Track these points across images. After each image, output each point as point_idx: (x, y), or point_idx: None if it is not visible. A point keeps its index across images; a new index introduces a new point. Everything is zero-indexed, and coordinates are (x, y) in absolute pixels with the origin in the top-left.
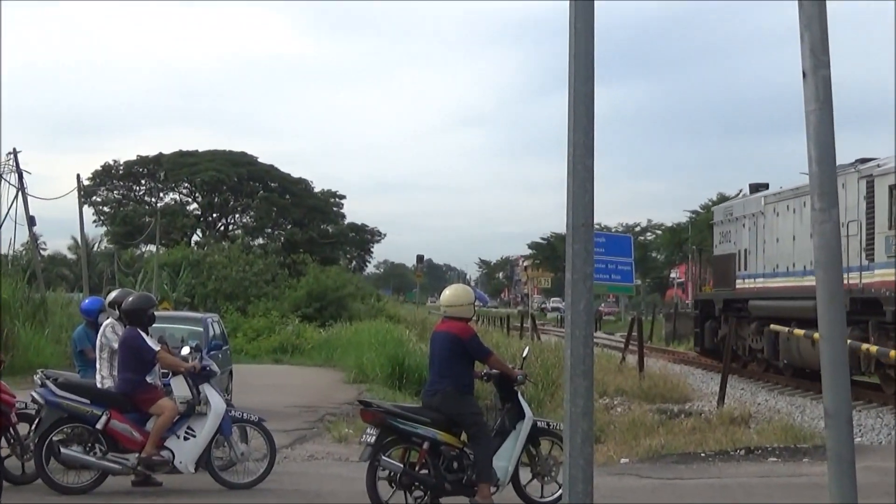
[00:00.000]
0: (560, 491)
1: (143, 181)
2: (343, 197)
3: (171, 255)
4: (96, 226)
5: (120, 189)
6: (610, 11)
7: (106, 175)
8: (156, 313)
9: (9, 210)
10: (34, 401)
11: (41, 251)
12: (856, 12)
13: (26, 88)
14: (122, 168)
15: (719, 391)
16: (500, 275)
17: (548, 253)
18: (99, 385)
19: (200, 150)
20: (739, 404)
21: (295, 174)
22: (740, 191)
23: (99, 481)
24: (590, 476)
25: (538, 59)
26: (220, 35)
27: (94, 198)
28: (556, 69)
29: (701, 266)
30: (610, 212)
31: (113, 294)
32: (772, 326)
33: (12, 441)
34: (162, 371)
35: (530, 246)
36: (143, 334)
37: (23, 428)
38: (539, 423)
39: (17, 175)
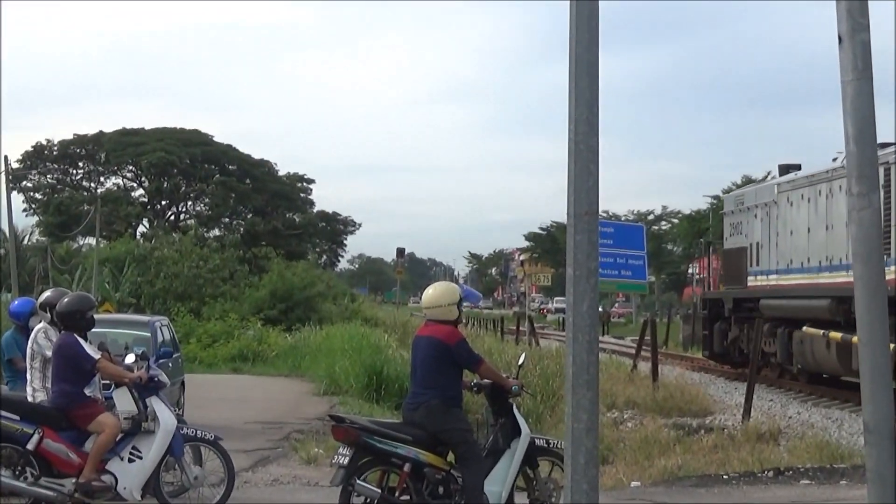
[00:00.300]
0: None
1: (80, 164)
2: (311, 181)
3: (114, 249)
4: (26, 215)
5: (54, 173)
6: None
7: (37, 157)
8: (95, 316)
9: None
10: None
11: None
12: None
13: None
14: (56, 148)
15: (744, 403)
16: (493, 271)
17: (548, 245)
18: (30, 399)
19: (147, 127)
20: (768, 418)
21: (256, 155)
22: (768, 173)
23: None
24: (595, 502)
25: (537, 21)
26: None
27: (24, 183)
28: (557, 33)
29: (710, 261)
30: (619, 197)
31: (46, 294)
32: (805, 329)
33: None
34: (103, 382)
35: (528, 237)
36: (81, 340)
37: None
38: (537, 441)
39: None
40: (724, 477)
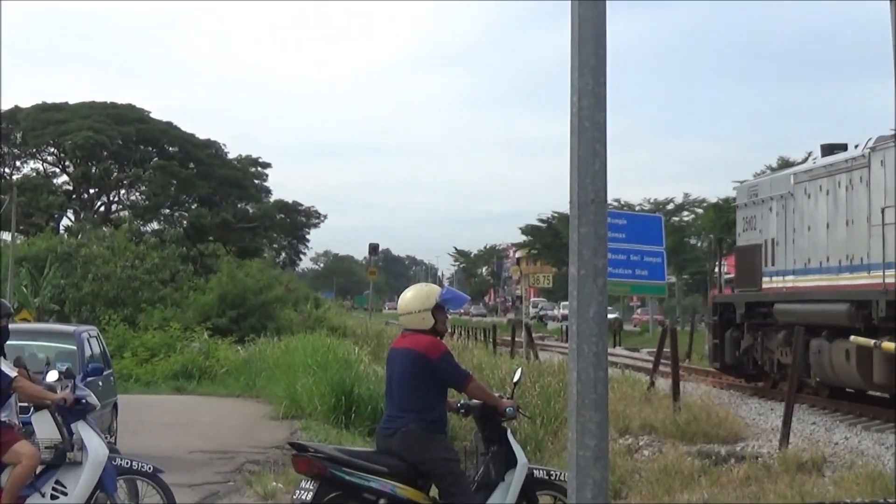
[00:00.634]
0: None
1: None
2: (267, 165)
3: (33, 246)
4: None
5: None
6: None
7: None
8: (11, 326)
9: None
10: None
11: None
12: None
13: None
14: None
15: (782, 426)
16: (484, 270)
17: (548, 240)
18: None
19: (71, 102)
20: (810, 444)
21: (201, 135)
22: (808, 154)
23: None
24: None
25: None
26: None
27: None
28: None
29: (720, 260)
30: (632, 183)
31: None
32: (852, 339)
33: None
34: (20, 405)
35: (524, 230)
36: None
37: None
38: (536, 473)
39: None
40: None
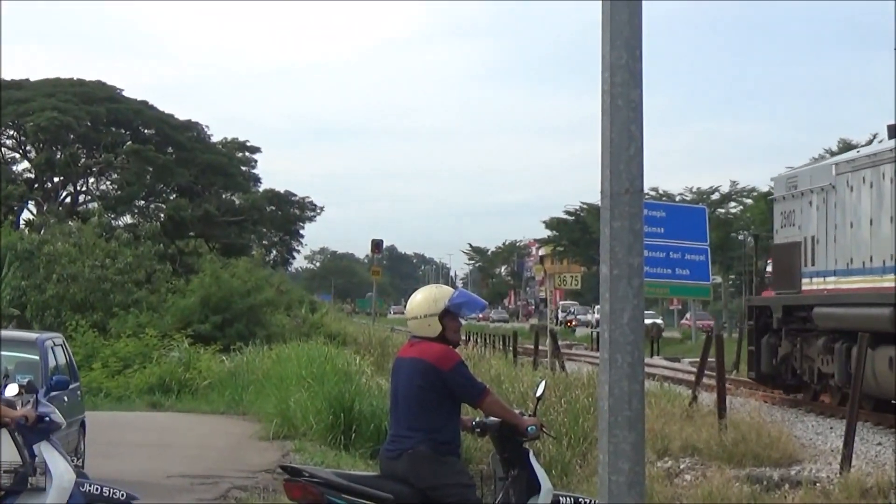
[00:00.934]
0: None
1: None
2: (256, 150)
3: None
4: None
5: None
6: None
7: None
8: None
9: None
10: None
11: None
12: None
13: None
14: None
15: (843, 447)
16: (503, 270)
17: (576, 235)
18: None
19: (33, 79)
20: (875, 467)
21: (181, 116)
22: (873, 136)
23: None
24: None
25: None
26: None
27: None
28: None
29: (756, 259)
30: (672, 170)
31: None
32: None
33: None
34: None
35: (549, 224)
36: None
37: None
38: (563, 500)
39: None
40: None
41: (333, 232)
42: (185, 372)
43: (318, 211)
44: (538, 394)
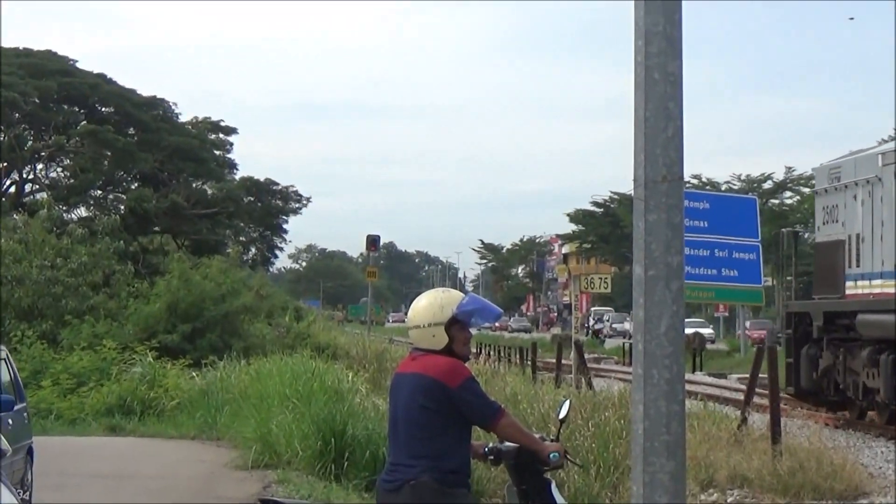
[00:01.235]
0: None
1: None
2: (232, 131)
3: None
4: None
5: None
6: None
7: None
8: None
9: None
10: None
11: None
12: None
13: None
14: None
15: None
16: (520, 270)
17: (606, 230)
18: None
19: None
20: None
21: (145, 91)
22: None
23: None
24: None
25: None
26: None
27: None
28: None
29: (795, 259)
30: (716, 155)
31: None
32: None
33: None
34: None
35: (573, 218)
36: None
37: None
38: None
39: None
40: None
41: (322, 227)
42: (149, 390)
43: (304, 202)
44: (561, 415)
